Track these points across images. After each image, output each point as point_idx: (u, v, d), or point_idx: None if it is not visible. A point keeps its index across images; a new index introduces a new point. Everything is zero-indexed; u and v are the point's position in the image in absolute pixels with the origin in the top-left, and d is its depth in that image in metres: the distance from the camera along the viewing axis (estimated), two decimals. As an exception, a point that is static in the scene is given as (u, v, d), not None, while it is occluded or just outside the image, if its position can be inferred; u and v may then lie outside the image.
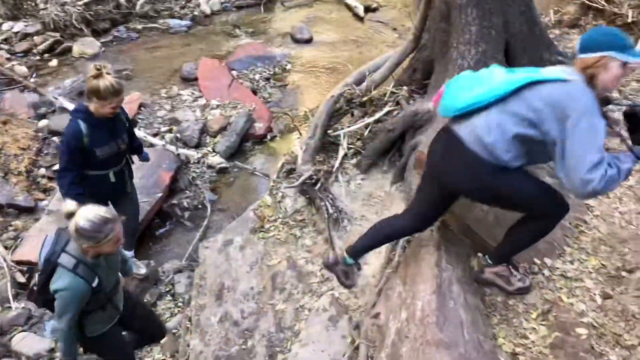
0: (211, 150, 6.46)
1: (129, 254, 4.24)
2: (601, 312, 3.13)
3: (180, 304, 4.43)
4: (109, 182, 4.05)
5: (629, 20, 6.53)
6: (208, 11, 10.52)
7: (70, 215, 2.83)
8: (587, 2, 7.07)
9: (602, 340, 2.96)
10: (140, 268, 4.59)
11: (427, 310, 2.88)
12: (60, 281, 2.89)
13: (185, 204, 5.69)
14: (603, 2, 6.89)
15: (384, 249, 4.13)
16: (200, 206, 5.69)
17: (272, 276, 4.20)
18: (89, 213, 2.80)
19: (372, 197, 4.91)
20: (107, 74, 3.63)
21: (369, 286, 3.94)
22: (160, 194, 5.45)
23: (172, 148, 6.09)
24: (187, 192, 5.86)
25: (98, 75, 3.59)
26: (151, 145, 6.25)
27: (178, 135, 6.61)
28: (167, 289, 4.67)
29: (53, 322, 4.13)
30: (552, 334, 2.98)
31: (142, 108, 7.23)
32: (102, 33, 9.62)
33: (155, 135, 6.63)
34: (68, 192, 3.74)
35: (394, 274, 3.69)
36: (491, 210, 3.50)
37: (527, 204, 2.86)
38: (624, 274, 3.38)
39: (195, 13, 10.49)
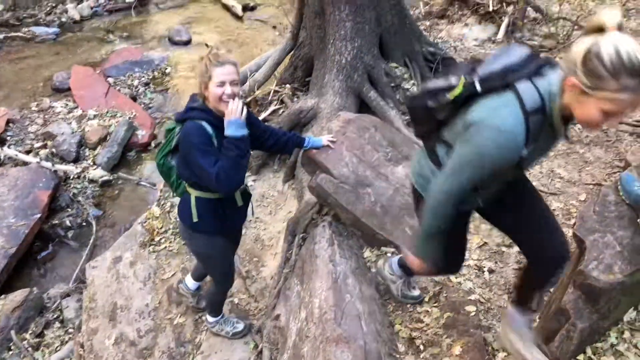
0: (92, 164, 6.10)
1: None
2: (487, 288, 3.32)
3: (70, 330, 4.15)
4: (235, 207, 2.93)
5: (490, 9, 7.01)
6: (77, 17, 9.96)
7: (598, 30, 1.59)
8: (452, -7, 7.51)
9: (489, 314, 3.14)
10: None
11: (325, 307, 2.90)
12: (503, 113, 1.80)
13: (68, 222, 5.35)
14: (468, -7, 7.34)
15: (279, 249, 4.13)
16: (84, 224, 5.36)
17: (167, 290, 4.06)
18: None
19: (265, 198, 4.89)
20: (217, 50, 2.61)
21: (268, 288, 3.93)
22: (38, 215, 5.07)
23: (48, 164, 5.69)
24: (69, 210, 5.51)
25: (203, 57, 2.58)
26: (24, 163, 5.83)
27: (54, 150, 6.18)
28: (55, 316, 4.36)
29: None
30: (444, 315, 3.11)
31: (10, 124, 6.69)
32: (-43, 45, 8.83)
33: (28, 152, 6.18)
34: (241, 175, 2.66)
35: (292, 274, 3.69)
36: (379, 200, 3.59)
37: None
38: (503, 249, 3.61)
39: (63, 19, 9.93)
